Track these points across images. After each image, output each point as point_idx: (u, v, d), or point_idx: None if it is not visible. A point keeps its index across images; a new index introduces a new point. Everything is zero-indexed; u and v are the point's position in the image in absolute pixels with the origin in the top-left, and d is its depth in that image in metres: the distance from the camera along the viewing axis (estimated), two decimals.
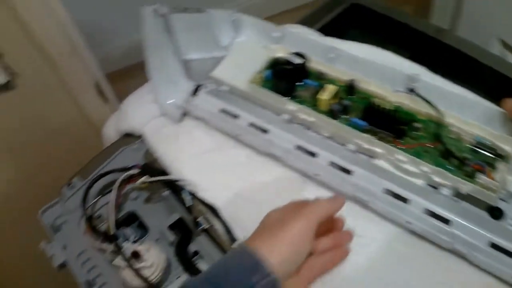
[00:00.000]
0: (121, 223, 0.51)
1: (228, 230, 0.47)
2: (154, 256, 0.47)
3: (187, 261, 0.48)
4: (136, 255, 0.46)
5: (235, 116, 0.54)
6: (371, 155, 0.49)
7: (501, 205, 0.45)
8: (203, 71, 0.58)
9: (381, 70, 0.54)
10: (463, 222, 0.44)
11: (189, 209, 0.51)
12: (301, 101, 0.52)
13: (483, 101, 0.51)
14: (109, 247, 0.48)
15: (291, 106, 0.51)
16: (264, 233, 0.39)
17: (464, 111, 0.50)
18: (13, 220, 0.74)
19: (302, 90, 0.53)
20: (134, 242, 0.49)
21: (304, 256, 0.40)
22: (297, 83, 0.53)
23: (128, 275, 0.46)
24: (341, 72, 0.54)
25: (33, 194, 0.59)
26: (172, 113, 0.57)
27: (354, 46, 0.60)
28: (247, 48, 0.59)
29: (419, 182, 0.48)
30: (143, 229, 0.53)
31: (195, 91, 0.57)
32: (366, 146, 0.49)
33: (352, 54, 0.55)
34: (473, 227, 0.43)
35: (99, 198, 0.53)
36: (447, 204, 0.45)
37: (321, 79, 0.54)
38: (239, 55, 0.58)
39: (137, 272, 0.45)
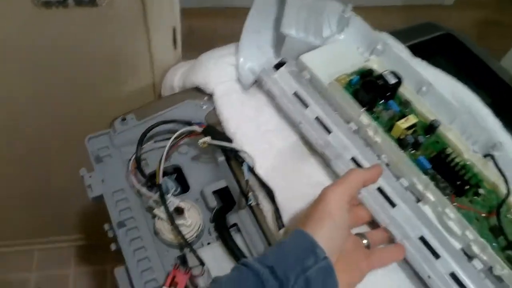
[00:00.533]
0: (164, 174, 0.50)
1: (278, 215, 0.47)
2: (194, 216, 0.48)
3: (225, 230, 0.47)
4: (179, 210, 0.47)
5: (305, 105, 0.53)
6: (420, 198, 0.48)
7: None
8: (293, 51, 0.58)
9: (466, 122, 0.52)
10: None
11: (239, 182, 0.50)
12: (376, 118, 0.51)
13: None
14: (152, 195, 0.48)
15: (365, 118, 0.50)
16: (308, 219, 0.39)
17: None
18: (65, 144, 0.75)
19: (381, 110, 0.52)
20: (174, 196, 0.49)
21: (344, 229, 0.39)
22: (380, 101, 0.52)
23: (163, 227, 0.47)
24: (426, 108, 0.53)
25: (89, 122, 0.58)
26: (245, 76, 0.58)
27: (442, 76, 0.60)
28: (345, 48, 0.59)
29: (456, 244, 0.46)
30: (183, 185, 0.52)
31: (278, 66, 0.56)
32: (420, 187, 0.47)
33: (443, 95, 0.54)
34: None
35: (153, 142, 0.53)
36: (475, 277, 0.43)
37: (405, 106, 0.52)
38: (335, 50, 0.58)
39: (176, 227, 0.45)
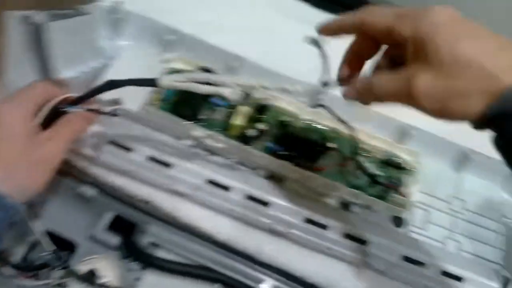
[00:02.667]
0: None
1: None
2: (107, 267, 0.44)
3: (146, 256, 0.46)
4: (89, 275, 0.43)
5: (127, 149, 0.46)
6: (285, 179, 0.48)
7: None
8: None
9: (286, 81, 0.51)
10: (376, 238, 0.47)
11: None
12: (209, 125, 0.48)
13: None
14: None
15: (197, 132, 0.47)
16: None
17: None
18: None
19: (210, 112, 0.48)
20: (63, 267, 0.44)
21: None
22: (203, 104, 0.48)
23: None
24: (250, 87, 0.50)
25: None
26: None
27: None
28: (135, 56, 0.52)
29: (333, 202, 0.50)
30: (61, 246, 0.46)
31: None
32: (281, 171, 0.47)
33: (256, 63, 0.53)
34: (387, 241, 0.47)
35: None
36: (360, 223, 0.48)
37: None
38: (125, 65, 0.50)
39: None
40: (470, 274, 0.47)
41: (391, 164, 0.51)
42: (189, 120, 0.48)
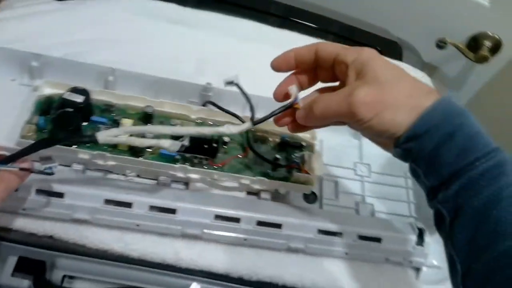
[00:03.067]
0: None
1: None
2: None
3: None
4: None
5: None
6: (189, 181, 0.48)
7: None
8: None
9: (169, 85, 0.51)
10: (292, 220, 0.47)
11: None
12: (95, 145, 0.46)
13: None
14: None
15: (83, 154, 0.45)
16: None
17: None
18: None
19: (94, 131, 0.46)
20: None
21: None
22: (84, 124, 0.46)
23: None
24: (129, 97, 0.49)
25: None
26: None
27: None
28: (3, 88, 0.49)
29: (241, 194, 0.51)
30: None
31: None
32: (182, 176, 0.47)
33: (133, 72, 0.53)
34: (300, 221, 0.48)
35: None
36: (272, 209, 0.48)
37: (110, 111, 0.48)
38: None
39: None
40: (386, 232, 0.49)
41: (289, 145, 0.53)
42: (72, 144, 0.46)
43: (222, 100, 0.54)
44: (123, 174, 0.49)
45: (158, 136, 0.41)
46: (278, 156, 0.51)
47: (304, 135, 0.53)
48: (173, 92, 0.54)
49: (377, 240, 0.49)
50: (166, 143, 0.39)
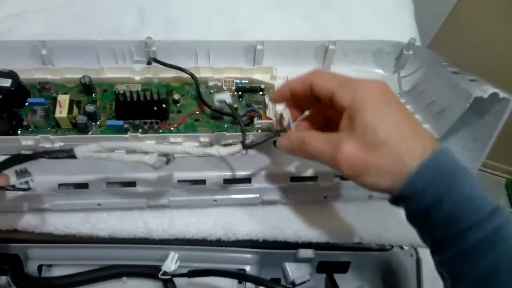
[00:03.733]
0: None
1: None
2: None
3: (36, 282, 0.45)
4: None
5: None
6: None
7: None
8: None
9: (108, 47, 0.47)
10: (261, 171, 0.45)
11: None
12: (36, 129, 0.44)
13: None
14: None
15: (26, 141, 0.42)
16: None
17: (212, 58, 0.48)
18: None
19: (32, 114, 0.43)
20: None
21: None
22: (21, 109, 0.43)
23: None
24: (65, 70, 0.45)
25: None
26: None
27: None
28: None
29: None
30: None
31: None
32: (136, 147, 0.43)
33: (66, 40, 0.48)
34: (270, 171, 0.45)
35: None
36: (238, 164, 0.45)
37: (47, 89, 0.45)
38: None
39: None
40: None
41: (247, 90, 0.48)
42: (12, 134, 0.43)
43: (169, 51, 0.49)
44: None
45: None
46: (236, 105, 0.47)
47: (263, 76, 0.49)
48: (114, 54, 0.50)
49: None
50: (149, 160, 0.37)
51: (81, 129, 0.44)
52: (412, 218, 0.34)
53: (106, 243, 0.45)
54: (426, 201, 0.32)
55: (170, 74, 0.47)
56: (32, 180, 0.38)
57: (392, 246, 0.49)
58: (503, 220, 0.31)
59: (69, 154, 0.36)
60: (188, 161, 0.46)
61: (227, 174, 0.44)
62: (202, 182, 0.44)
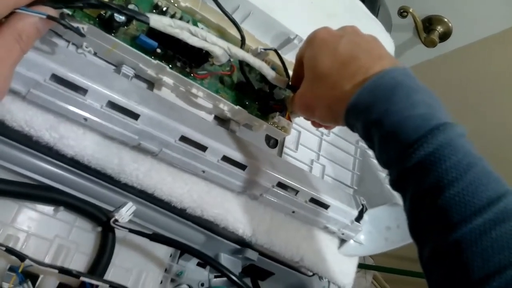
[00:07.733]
0: None
1: None
2: None
3: None
4: None
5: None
6: (155, 84, 0.41)
7: None
8: None
9: None
10: (258, 165, 0.44)
11: None
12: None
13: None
14: None
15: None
16: None
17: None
18: None
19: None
20: None
21: None
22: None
23: None
24: None
25: None
26: None
27: None
28: None
29: (209, 117, 0.45)
30: None
31: None
32: (154, 75, 0.38)
33: None
34: (265, 168, 0.44)
35: None
36: (239, 146, 0.43)
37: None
38: None
39: None
40: (335, 201, 0.48)
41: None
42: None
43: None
44: (78, 46, 0.38)
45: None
46: (265, 89, 0.45)
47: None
48: None
49: (325, 206, 0.48)
50: (218, 51, 0.37)
51: (106, 25, 0.36)
52: (365, 141, 0.35)
53: (63, 162, 0.38)
54: (369, 123, 0.32)
55: (215, 19, 0.43)
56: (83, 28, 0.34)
57: (314, 274, 0.53)
58: (447, 137, 0.29)
59: (142, 18, 0.33)
60: (197, 119, 0.42)
61: (229, 152, 0.42)
62: (203, 148, 0.41)
